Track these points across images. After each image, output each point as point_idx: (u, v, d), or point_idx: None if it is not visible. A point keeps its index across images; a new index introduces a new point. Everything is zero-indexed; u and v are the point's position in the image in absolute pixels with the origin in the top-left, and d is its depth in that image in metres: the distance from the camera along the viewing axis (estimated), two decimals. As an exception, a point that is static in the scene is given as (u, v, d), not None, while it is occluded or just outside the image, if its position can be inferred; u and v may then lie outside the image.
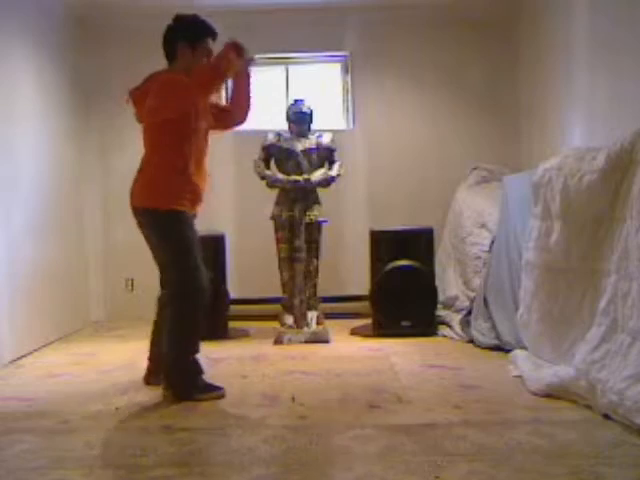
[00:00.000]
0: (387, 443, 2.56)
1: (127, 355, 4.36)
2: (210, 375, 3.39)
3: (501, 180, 4.63)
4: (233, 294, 4.97)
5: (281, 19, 5.72)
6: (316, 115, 5.09)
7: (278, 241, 4.96)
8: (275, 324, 4.89)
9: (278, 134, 5.01)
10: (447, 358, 4.00)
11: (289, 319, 4.79)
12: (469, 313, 4.56)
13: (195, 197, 3.34)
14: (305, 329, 4.67)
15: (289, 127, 5.04)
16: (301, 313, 4.73)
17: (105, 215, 5.95)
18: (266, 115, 5.53)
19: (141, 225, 3.32)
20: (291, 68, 6.02)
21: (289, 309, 4.86)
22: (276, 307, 5.06)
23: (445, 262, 5.28)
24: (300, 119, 4.99)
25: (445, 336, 4.66)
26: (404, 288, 4.67)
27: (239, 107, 3.53)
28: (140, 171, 3.34)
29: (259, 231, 5.24)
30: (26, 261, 4.58)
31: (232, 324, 4.96)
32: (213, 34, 3.34)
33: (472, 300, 4.59)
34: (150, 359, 3.51)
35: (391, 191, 5.87)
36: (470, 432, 2.63)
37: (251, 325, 5.18)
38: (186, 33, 3.30)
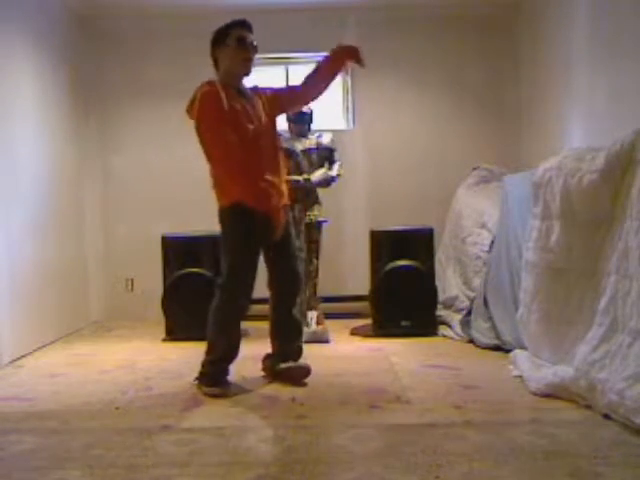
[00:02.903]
0: (387, 443, 2.56)
1: (127, 355, 4.36)
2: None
3: (501, 180, 4.63)
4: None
5: (281, 19, 5.71)
6: (316, 115, 5.09)
7: (278, 241, 4.94)
8: (275, 324, 4.89)
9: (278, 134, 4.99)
10: (447, 358, 3.99)
11: (289, 319, 4.78)
12: (469, 313, 4.57)
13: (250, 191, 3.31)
14: (305, 329, 4.64)
15: (289, 127, 5.03)
16: (301, 313, 4.72)
17: (105, 215, 5.96)
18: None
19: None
20: (291, 68, 6.02)
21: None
22: (276, 307, 5.05)
23: (445, 262, 5.28)
24: (300, 119, 4.98)
25: (445, 336, 4.66)
26: (404, 288, 4.67)
27: (317, 88, 3.56)
28: None
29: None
30: (26, 261, 4.58)
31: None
32: (237, 24, 3.39)
33: (472, 300, 4.59)
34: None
35: (391, 191, 5.87)
36: (470, 432, 2.63)
37: (251, 325, 5.17)
38: (214, 40, 3.39)
